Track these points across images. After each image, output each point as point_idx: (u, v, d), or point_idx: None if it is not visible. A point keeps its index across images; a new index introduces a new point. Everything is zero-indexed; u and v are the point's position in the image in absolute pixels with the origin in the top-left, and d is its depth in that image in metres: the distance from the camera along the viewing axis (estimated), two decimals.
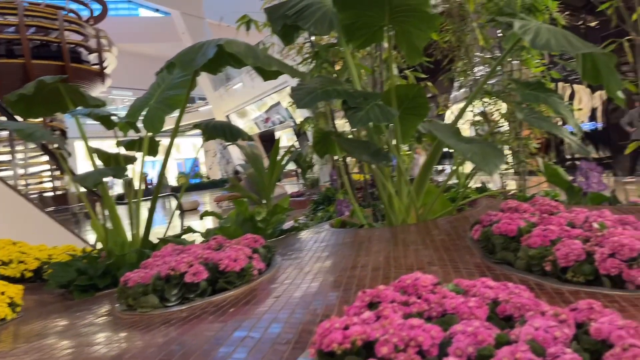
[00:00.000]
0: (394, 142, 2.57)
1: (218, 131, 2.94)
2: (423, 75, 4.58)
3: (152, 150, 3.17)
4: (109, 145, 3.41)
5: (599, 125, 12.42)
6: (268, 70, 2.36)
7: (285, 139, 26.54)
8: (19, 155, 13.46)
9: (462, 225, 2.18)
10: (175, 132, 2.72)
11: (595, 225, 1.56)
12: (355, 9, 2.25)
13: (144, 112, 2.88)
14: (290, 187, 18.12)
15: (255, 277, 1.74)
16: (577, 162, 13.37)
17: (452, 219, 2.36)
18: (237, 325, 1.22)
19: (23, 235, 3.20)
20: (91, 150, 2.90)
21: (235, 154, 27.61)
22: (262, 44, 5.16)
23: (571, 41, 2.08)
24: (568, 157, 13.81)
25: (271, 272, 1.82)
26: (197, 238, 3.01)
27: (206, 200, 20.90)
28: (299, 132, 22.13)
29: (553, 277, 1.43)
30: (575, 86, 13.26)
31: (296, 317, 1.23)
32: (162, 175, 2.85)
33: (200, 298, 1.59)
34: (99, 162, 3.02)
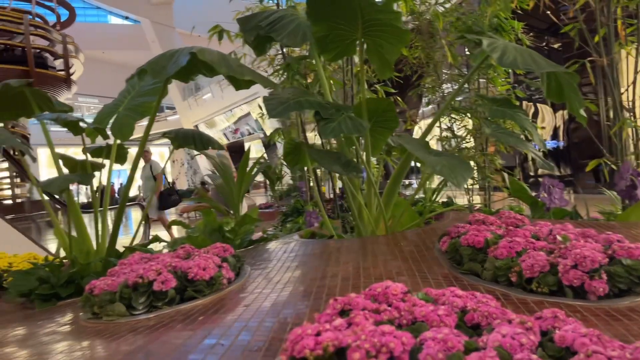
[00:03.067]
0: (363, 154, 2.60)
1: (188, 139, 2.91)
2: (392, 90, 4.65)
3: (120, 157, 3.12)
4: (73, 153, 3.35)
5: (561, 143, 12.83)
6: (240, 80, 2.36)
7: (254, 150, 26.45)
8: None
9: (429, 237, 2.21)
10: (144, 140, 2.69)
11: (559, 237, 1.61)
12: (328, 21, 2.28)
13: (112, 119, 2.83)
14: (258, 198, 18.02)
15: (224, 286, 1.72)
16: (540, 179, 13.75)
17: (420, 231, 2.39)
18: (206, 334, 1.21)
19: None
20: (57, 157, 2.84)
21: (203, 164, 27.32)
22: (234, 55, 5.16)
23: (537, 60, 2.16)
24: (531, 174, 14.20)
25: (240, 282, 1.81)
26: (164, 249, 2.96)
27: (171, 211, 20.57)
28: (268, 144, 22.10)
29: (518, 287, 1.47)
30: (539, 105, 13.69)
31: (266, 326, 1.23)
32: (129, 183, 2.80)
33: (169, 306, 1.56)
34: (64, 169, 2.96)
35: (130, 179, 2.78)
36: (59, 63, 16.20)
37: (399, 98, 4.71)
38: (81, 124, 2.73)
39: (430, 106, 5.72)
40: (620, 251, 1.41)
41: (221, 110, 26.72)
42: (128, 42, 33.41)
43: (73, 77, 16.61)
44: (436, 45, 5.06)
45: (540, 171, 13.75)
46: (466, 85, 4.72)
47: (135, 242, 2.99)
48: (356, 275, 1.68)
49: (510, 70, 5.31)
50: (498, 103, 2.26)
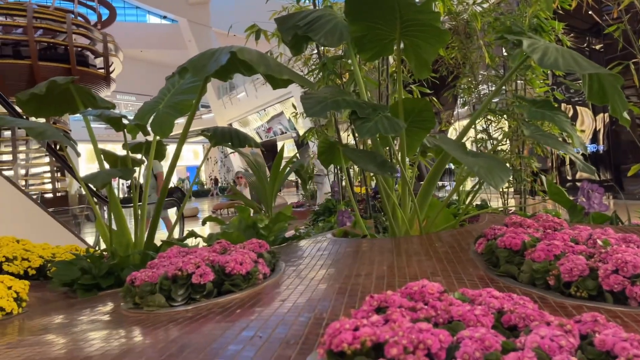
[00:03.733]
0: (399, 154, 2.60)
1: (226, 137, 2.97)
2: (428, 91, 4.62)
3: (159, 154, 3.20)
4: (110, 149, 3.44)
5: (601, 147, 12.49)
6: (278, 79, 2.39)
7: (287, 149, 26.61)
8: (21, 156, 13.51)
9: (464, 238, 2.20)
10: (183, 137, 2.75)
11: (599, 242, 1.58)
12: (366, 21, 2.29)
13: (152, 117, 2.91)
14: (289, 197, 18.14)
15: (260, 281, 1.75)
16: (578, 184, 13.42)
17: (455, 232, 2.38)
18: (244, 326, 1.24)
19: (25, 234, 3.21)
20: (99, 152, 2.93)
21: (236, 162, 27.68)
22: (270, 54, 5.21)
23: (578, 61, 2.12)
24: (569, 178, 13.87)
25: (275, 277, 1.84)
26: (200, 243, 3.02)
27: (205, 208, 20.91)
28: (301, 143, 22.20)
29: (556, 291, 1.45)
30: (578, 108, 13.36)
31: (302, 320, 1.25)
32: (168, 179, 2.87)
33: (206, 299, 1.60)
34: (105, 164, 3.05)
35: (169, 176, 2.85)
36: (99, 61, 16.67)
37: (434, 99, 4.68)
38: (123, 120, 2.82)
39: (465, 107, 5.66)
40: None
41: (255, 109, 27.02)
42: (165, 41, 34.11)
43: (112, 75, 17.07)
44: (473, 46, 5.01)
45: (578, 175, 13.43)
46: (503, 87, 4.66)
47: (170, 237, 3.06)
48: (390, 275, 1.69)
49: (548, 72, 5.22)
50: (537, 105, 2.22)
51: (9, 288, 1.82)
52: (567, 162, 13.71)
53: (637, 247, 1.55)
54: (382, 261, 1.90)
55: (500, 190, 4.83)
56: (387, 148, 2.92)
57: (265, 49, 5.98)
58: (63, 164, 6.78)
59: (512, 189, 4.97)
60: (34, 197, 7.23)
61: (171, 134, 2.94)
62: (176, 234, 7.40)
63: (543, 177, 3.73)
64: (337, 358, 0.90)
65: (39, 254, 2.75)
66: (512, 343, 0.91)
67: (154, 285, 1.60)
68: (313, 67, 4.95)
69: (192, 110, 2.77)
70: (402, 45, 2.38)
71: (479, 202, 4.68)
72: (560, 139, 3.44)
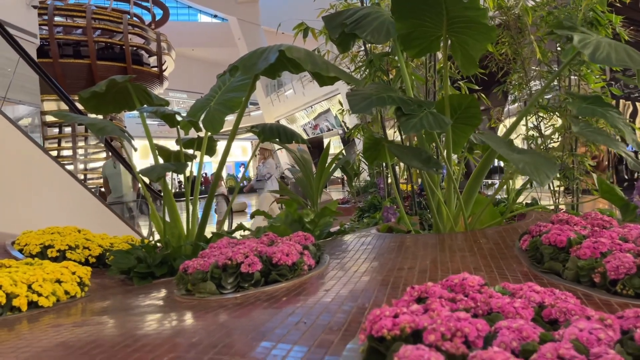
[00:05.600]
0: (444, 151, 2.60)
1: (274, 133, 3.05)
2: (476, 87, 4.57)
3: (210, 149, 3.32)
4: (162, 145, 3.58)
5: None
6: (325, 76, 2.44)
7: (333, 146, 26.67)
8: (80, 151, 14.14)
9: (510, 235, 2.19)
10: (233, 134, 2.85)
11: None
12: (413, 19, 2.31)
13: (204, 113, 3.02)
14: (335, 194, 18.21)
15: (305, 272, 1.81)
16: (636, 182, 12.87)
17: (501, 229, 2.37)
18: (289, 312, 1.30)
19: (85, 225, 3.41)
20: (154, 147, 3.07)
21: (283, 158, 27.98)
22: (318, 51, 5.27)
23: (632, 55, 2.07)
24: (626, 177, 13.31)
25: (320, 269, 1.89)
26: (247, 236, 3.12)
27: (253, 203, 21.27)
28: (347, 140, 22.25)
29: (602, 288, 1.44)
30: (638, 104, 12.79)
31: (345, 309, 1.30)
32: (218, 175, 2.98)
33: (254, 288, 1.68)
34: (160, 159, 3.19)
35: (219, 172, 2.96)
36: (152, 60, 17.23)
37: (482, 95, 4.61)
38: (177, 117, 2.94)
39: (515, 104, 5.55)
40: None
41: (302, 107, 27.23)
42: (216, 39, 34.83)
43: (165, 73, 17.61)
44: (524, 41, 4.90)
45: (637, 175, 12.86)
46: (555, 83, 4.55)
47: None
48: (433, 269, 1.71)
49: (606, 67, 5.03)
50: (588, 101, 2.18)
51: (73, 273, 1.96)
52: (624, 161, 13.16)
53: None
54: (426, 256, 1.93)
55: (552, 189, 4.72)
56: (434, 144, 2.92)
57: (313, 46, 6.05)
58: (118, 158, 7.07)
59: (562, 188, 4.84)
60: (93, 190, 7.60)
61: (221, 130, 3.05)
62: (225, 228, 7.60)
63: (594, 175, 3.63)
64: (377, 343, 0.95)
65: (99, 243, 2.91)
66: (550, 335, 0.93)
67: (206, 273, 1.69)
68: (360, 64, 4.98)
69: (241, 107, 2.86)
70: (449, 42, 2.39)
71: (529, 201, 4.59)
72: (618, 138, 3.35)
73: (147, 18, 18.83)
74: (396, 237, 2.49)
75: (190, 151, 3.37)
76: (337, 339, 1.06)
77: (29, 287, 1.76)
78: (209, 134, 3.03)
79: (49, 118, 13.81)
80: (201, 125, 2.98)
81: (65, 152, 13.96)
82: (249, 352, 0.98)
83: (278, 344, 1.03)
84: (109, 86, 2.94)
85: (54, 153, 14.12)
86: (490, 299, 1.12)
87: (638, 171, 2.00)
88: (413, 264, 1.81)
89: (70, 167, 12.51)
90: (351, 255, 2.13)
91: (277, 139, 3.03)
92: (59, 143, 13.98)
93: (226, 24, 32.48)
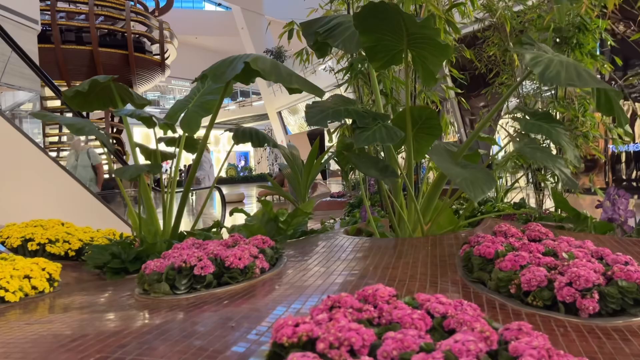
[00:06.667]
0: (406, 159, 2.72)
1: (246, 136, 3.17)
2: (459, 90, 4.68)
3: (191, 147, 3.45)
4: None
5: None
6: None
7: (335, 138, 26.70)
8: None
9: (460, 243, 2.31)
10: (207, 134, 2.97)
11: (565, 255, 1.68)
12: (375, 33, 2.42)
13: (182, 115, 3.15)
14: (335, 187, 18.36)
15: (257, 275, 1.94)
16: (634, 184, 12.90)
17: (458, 236, 2.49)
18: (228, 315, 1.43)
19: (74, 216, 3.54)
20: (134, 145, 3.20)
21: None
22: (306, 51, 5.36)
23: (582, 75, 2.18)
24: (624, 177, 13.35)
25: (273, 272, 2.02)
26: (224, 234, 3.26)
27: (252, 194, 21.44)
28: None
29: (517, 299, 1.57)
30: (638, 104, 12.82)
31: (276, 313, 1.43)
32: (194, 170, 3.10)
33: (206, 289, 1.81)
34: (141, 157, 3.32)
35: (194, 168, 3.09)
36: (155, 48, 17.31)
37: (462, 99, 4.72)
38: (154, 119, 3.06)
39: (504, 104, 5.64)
40: (618, 273, 1.47)
41: (304, 98, 27.25)
42: (219, 28, 34.82)
43: (167, 62, 17.68)
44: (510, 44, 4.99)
45: (636, 175, 12.89)
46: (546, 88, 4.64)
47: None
48: (373, 275, 1.84)
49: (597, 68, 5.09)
50: (537, 117, 2.29)
51: (43, 269, 2.10)
52: (623, 159, 13.20)
53: (605, 262, 1.64)
54: (373, 262, 2.06)
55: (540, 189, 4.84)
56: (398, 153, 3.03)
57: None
58: (117, 158, 7.20)
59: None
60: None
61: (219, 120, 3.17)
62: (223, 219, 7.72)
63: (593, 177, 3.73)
64: (279, 349, 1.08)
65: (79, 237, 3.05)
66: (432, 345, 1.06)
67: (161, 274, 1.83)
68: (345, 64, 5.08)
69: (214, 110, 2.98)
70: (409, 56, 2.50)
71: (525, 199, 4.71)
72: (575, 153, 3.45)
73: (151, 5, 18.89)
74: (359, 241, 2.62)
75: (172, 149, 3.50)
76: (254, 344, 1.20)
77: None
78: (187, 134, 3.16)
79: (50, 104, 13.97)
80: (178, 126, 3.10)
81: (52, 139, 14.12)
82: (168, 354, 1.11)
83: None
84: (92, 86, 3.07)
85: (52, 139, 14.26)
86: (395, 310, 1.25)
87: (570, 189, 2.12)
88: (358, 270, 1.94)
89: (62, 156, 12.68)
90: (308, 259, 2.26)
91: (250, 142, 3.15)
92: (60, 129, 14.14)
93: (230, 12, 32.48)
